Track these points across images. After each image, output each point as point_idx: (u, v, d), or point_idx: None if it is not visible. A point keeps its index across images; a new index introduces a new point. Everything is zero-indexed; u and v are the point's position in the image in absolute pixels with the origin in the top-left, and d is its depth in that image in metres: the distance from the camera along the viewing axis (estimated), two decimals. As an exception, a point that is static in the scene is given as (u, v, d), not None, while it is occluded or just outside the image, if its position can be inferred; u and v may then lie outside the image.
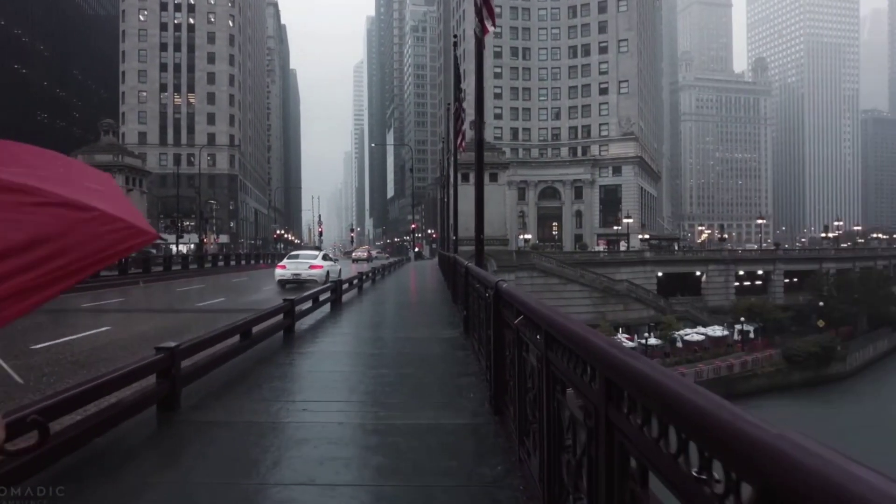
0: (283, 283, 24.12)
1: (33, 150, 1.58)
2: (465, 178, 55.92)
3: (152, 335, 10.85)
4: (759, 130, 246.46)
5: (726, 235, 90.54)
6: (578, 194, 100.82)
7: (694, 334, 57.38)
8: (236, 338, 7.32)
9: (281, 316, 9.25)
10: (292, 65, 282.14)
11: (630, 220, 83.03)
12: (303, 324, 10.76)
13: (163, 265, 36.54)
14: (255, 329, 7.79)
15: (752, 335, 60.49)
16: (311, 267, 24.61)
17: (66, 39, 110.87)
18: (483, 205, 9.45)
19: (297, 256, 26.55)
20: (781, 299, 70.19)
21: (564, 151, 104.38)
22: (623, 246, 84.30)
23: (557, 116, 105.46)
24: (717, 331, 58.85)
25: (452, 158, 24.72)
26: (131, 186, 57.32)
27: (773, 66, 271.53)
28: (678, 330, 57.59)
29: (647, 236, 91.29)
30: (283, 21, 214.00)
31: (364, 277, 20.30)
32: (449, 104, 26.62)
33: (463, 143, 18.25)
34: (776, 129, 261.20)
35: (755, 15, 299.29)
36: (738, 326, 60.45)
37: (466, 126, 19.93)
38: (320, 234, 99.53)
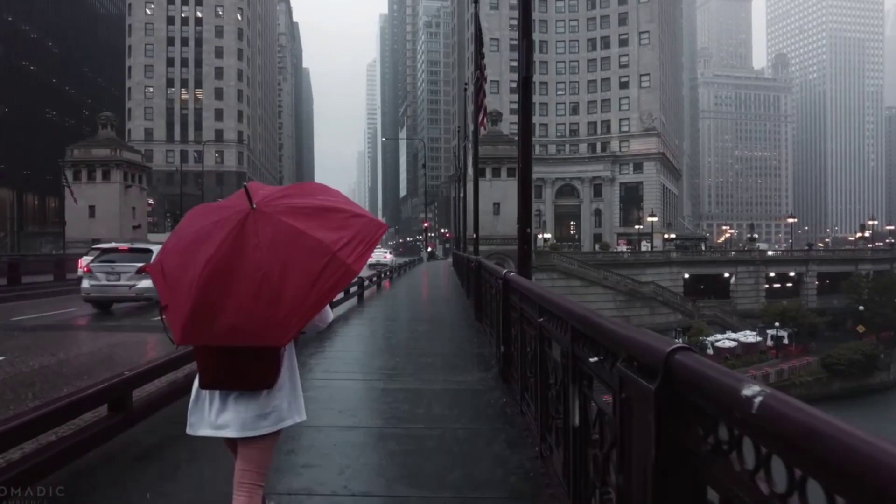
0: (369, 266, 34.07)
1: (317, 185, 3.00)
2: (482, 173, 52.63)
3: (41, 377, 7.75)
4: (780, 128, 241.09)
5: (756, 235, 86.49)
6: (597, 192, 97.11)
7: (725, 340, 53.89)
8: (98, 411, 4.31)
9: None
10: (305, 64, 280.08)
11: (655, 219, 79.20)
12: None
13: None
14: (135, 392, 4.53)
15: (785, 341, 56.93)
16: (384, 257, 46.06)
17: (76, 37, 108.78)
18: (531, 188, 6.27)
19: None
20: (815, 302, 66.46)
21: (583, 147, 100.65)
22: (645, 246, 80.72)
23: (576, 111, 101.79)
24: (748, 336, 55.32)
25: (471, 145, 21.47)
26: (130, 182, 54.55)
27: (793, 62, 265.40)
28: (708, 335, 54.09)
29: (672, 236, 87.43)
30: (295, 20, 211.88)
31: (365, 284, 17.06)
32: (466, 84, 23.43)
33: (485, 121, 15.01)
34: (797, 126, 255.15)
35: (775, 10, 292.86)
36: (770, 332, 56.83)
37: (484, 111, 16.57)
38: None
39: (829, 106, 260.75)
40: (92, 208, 52.06)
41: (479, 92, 14.70)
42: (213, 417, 2.68)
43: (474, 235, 17.56)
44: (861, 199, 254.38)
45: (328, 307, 2.95)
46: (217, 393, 2.69)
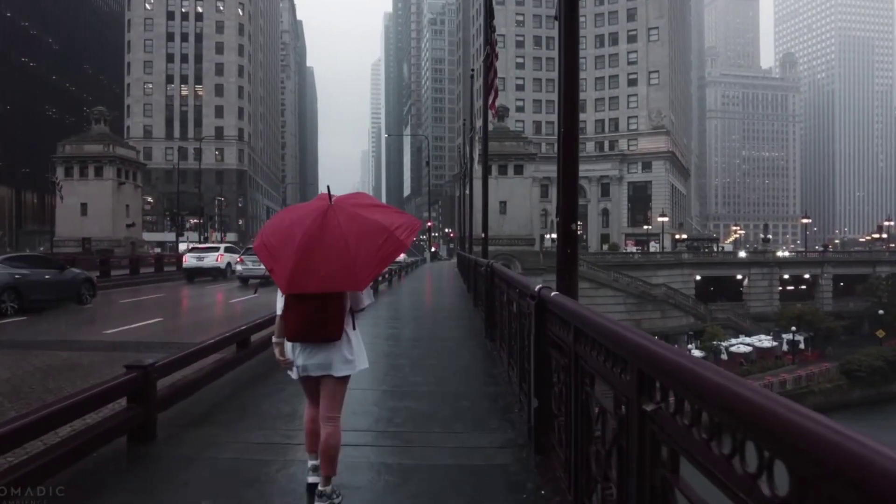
0: None
1: (368, 195, 4.08)
2: (488, 170, 50.67)
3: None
4: (787, 128, 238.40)
5: (770, 236, 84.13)
6: (605, 191, 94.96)
7: (739, 345, 51.83)
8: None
9: (124, 400, 4.18)
10: (309, 63, 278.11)
11: (665, 219, 76.93)
12: (206, 400, 5.63)
13: (129, 268, 31.66)
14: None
15: (801, 346, 54.89)
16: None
17: (77, 34, 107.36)
18: (576, 170, 4.28)
19: None
20: (830, 306, 64.32)
21: (590, 146, 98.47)
22: (654, 246, 78.66)
23: (583, 109, 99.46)
24: (763, 341, 53.28)
25: (479, 136, 19.51)
26: (123, 179, 52.63)
27: (801, 61, 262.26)
28: (722, 340, 52.01)
29: (684, 236, 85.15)
30: (299, 18, 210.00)
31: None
32: (472, 71, 21.38)
33: (495, 104, 13.06)
34: (805, 126, 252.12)
35: (783, 9, 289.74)
36: (786, 336, 54.81)
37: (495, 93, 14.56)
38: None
39: (837, 106, 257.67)
40: (84, 206, 50.21)
41: (490, 70, 12.75)
42: (307, 365, 3.72)
43: (483, 235, 15.50)
44: (870, 201, 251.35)
45: (366, 295, 3.92)
46: (305, 347, 3.72)
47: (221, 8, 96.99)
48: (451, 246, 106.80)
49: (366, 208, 3.74)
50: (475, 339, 9.90)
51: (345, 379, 3.78)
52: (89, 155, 50.84)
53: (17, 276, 15.47)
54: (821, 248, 74.98)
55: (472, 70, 23.92)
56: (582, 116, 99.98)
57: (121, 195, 52.07)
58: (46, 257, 22.59)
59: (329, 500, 3.61)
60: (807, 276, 67.42)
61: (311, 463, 3.85)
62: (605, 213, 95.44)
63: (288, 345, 3.76)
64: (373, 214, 3.68)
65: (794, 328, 54.34)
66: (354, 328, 3.83)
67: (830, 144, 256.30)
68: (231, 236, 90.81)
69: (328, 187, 3.95)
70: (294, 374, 3.81)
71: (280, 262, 3.55)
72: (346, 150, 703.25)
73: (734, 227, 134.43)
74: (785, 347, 53.98)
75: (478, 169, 25.86)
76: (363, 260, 3.48)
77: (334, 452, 3.68)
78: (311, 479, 3.81)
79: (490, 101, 13.04)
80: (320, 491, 3.62)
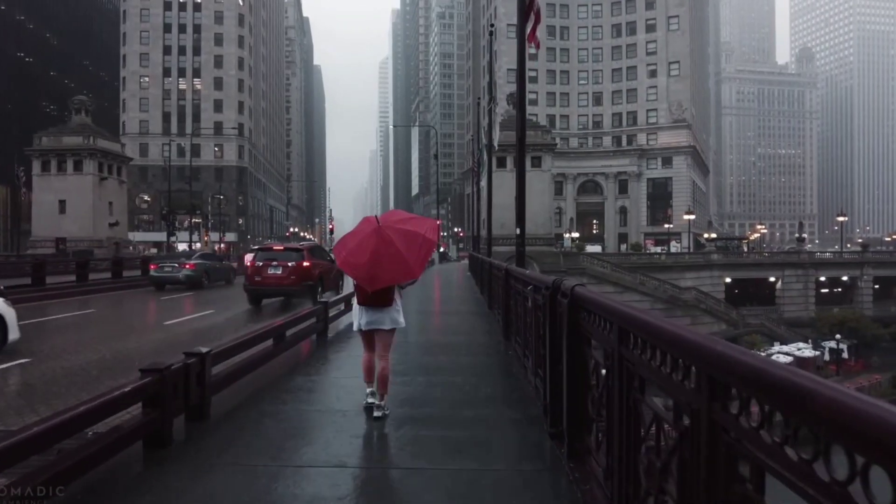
0: None
1: (397, 210, 6.83)
2: (502, 163, 46.26)
3: None
4: (804, 125, 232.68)
5: (805, 235, 79.34)
6: (623, 188, 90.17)
7: (778, 354, 47.05)
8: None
9: None
10: (317, 63, 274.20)
11: (692, 217, 72.03)
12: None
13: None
14: None
15: (844, 354, 50.07)
16: None
17: (76, 29, 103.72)
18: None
19: None
20: (870, 310, 59.49)
21: (607, 141, 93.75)
22: (674, 247, 74.02)
23: (599, 102, 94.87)
24: (803, 350, 48.52)
25: (494, 106, 15.08)
26: (106, 174, 48.50)
27: (818, 56, 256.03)
28: (761, 349, 47.37)
29: (713, 235, 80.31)
30: (305, 15, 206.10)
31: (331, 312, 10.44)
32: (492, 27, 16.94)
33: (535, 34, 8.70)
34: (822, 123, 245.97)
35: (799, 3, 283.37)
36: (829, 344, 50.03)
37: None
38: (331, 230, 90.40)
39: (855, 102, 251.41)
40: (62, 203, 46.15)
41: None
42: (367, 321, 5.71)
43: (517, 231, 11.11)
44: (889, 199, 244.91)
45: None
46: (368, 310, 5.70)
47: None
48: (461, 246, 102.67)
49: (403, 222, 5.67)
50: (507, 406, 5.55)
51: (393, 331, 5.80)
52: (68, 147, 46.76)
53: (207, 265, 25.70)
54: (859, 249, 69.87)
55: (492, 27, 19.51)
56: (598, 110, 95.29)
57: (103, 191, 47.99)
58: (214, 254, 34.71)
59: (382, 410, 5.66)
60: (844, 277, 62.70)
61: (368, 389, 5.85)
62: (623, 211, 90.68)
63: (355, 308, 5.90)
64: (409, 226, 5.58)
65: (838, 335, 49.58)
66: (401, 297, 5.95)
67: (848, 142, 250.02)
68: (230, 236, 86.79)
69: (376, 217, 5.71)
70: (356, 326, 5.90)
71: (360, 271, 5.44)
72: (355, 150, 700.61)
73: (759, 226, 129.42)
74: (827, 357, 49.29)
75: (495, 166, 21.49)
76: (413, 259, 5.43)
77: (386, 379, 5.70)
78: (370, 399, 5.77)
79: (529, 32, 8.69)
80: (378, 405, 5.69)
